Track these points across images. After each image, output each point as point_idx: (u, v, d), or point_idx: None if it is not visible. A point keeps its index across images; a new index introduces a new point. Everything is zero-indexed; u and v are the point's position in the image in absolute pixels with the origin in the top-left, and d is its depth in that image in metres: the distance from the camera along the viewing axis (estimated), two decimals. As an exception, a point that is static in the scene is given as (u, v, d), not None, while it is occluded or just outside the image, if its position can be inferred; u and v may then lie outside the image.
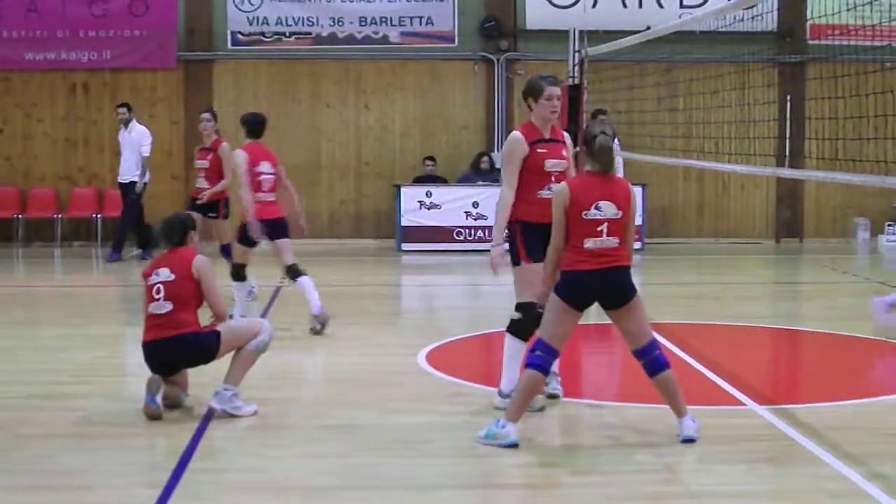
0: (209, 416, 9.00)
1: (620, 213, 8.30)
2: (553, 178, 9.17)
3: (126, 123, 20.77)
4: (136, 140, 20.63)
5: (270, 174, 13.19)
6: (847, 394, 10.09)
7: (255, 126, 13.31)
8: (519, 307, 9.19)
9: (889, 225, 23.86)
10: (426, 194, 22.12)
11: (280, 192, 13.30)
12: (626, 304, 8.36)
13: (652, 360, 8.41)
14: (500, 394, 9.32)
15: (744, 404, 9.53)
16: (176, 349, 9.04)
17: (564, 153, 9.38)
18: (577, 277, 8.29)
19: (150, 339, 9.10)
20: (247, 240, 13.13)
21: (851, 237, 24.27)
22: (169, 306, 9.03)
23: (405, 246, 22.07)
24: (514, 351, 9.22)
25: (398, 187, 22.41)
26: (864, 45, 18.92)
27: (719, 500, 7.18)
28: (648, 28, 18.18)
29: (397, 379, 10.61)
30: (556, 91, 9.25)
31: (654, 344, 8.45)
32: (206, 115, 15.48)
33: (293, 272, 13.12)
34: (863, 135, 14.04)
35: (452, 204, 21.91)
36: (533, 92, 9.30)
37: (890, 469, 7.71)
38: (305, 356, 11.63)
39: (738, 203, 24.46)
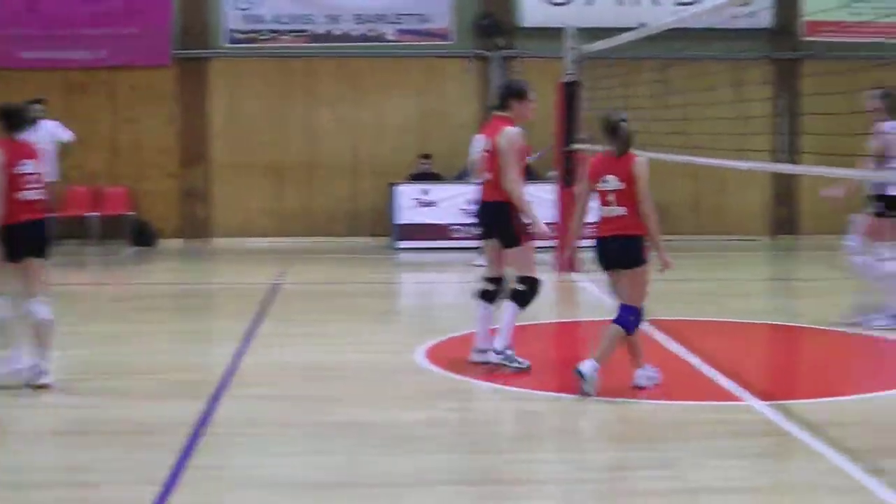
0: (209, 411, 8.99)
1: (623, 184, 9.56)
2: None
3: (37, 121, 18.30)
4: (45, 137, 18.82)
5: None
6: (847, 389, 10.14)
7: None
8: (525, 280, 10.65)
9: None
10: (422, 192, 22.12)
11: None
12: (623, 269, 9.66)
13: (618, 315, 9.67)
14: (495, 351, 10.67)
15: (742, 400, 9.53)
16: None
17: None
18: (596, 244, 9.74)
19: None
20: None
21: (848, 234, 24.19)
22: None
23: (401, 244, 22.07)
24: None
25: (394, 185, 22.40)
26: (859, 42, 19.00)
27: (718, 496, 7.17)
28: (643, 25, 18.18)
29: (397, 376, 10.62)
30: (534, 95, 10.77)
31: (631, 308, 9.65)
32: None
33: None
34: (856, 131, 14.07)
35: (448, 202, 21.85)
36: (519, 93, 10.69)
37: (891, 464, 7.70)
38: (303, 354, 11.62)
39: (734, 200, 24.41)
